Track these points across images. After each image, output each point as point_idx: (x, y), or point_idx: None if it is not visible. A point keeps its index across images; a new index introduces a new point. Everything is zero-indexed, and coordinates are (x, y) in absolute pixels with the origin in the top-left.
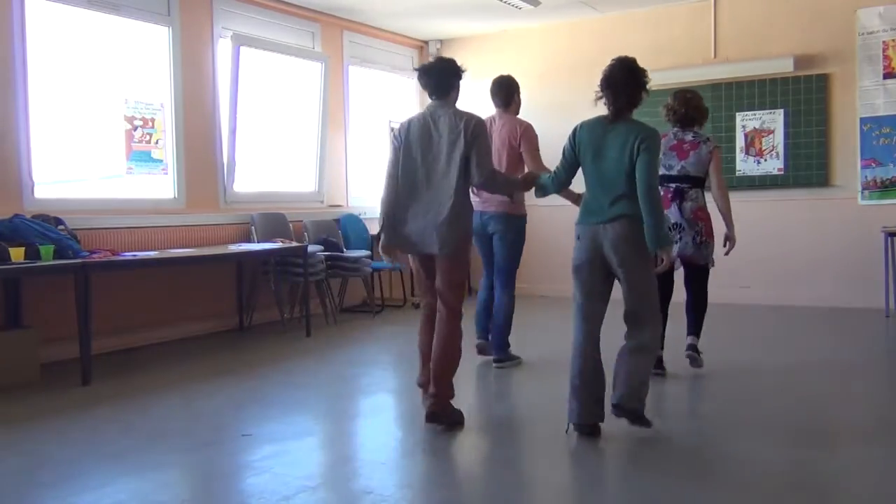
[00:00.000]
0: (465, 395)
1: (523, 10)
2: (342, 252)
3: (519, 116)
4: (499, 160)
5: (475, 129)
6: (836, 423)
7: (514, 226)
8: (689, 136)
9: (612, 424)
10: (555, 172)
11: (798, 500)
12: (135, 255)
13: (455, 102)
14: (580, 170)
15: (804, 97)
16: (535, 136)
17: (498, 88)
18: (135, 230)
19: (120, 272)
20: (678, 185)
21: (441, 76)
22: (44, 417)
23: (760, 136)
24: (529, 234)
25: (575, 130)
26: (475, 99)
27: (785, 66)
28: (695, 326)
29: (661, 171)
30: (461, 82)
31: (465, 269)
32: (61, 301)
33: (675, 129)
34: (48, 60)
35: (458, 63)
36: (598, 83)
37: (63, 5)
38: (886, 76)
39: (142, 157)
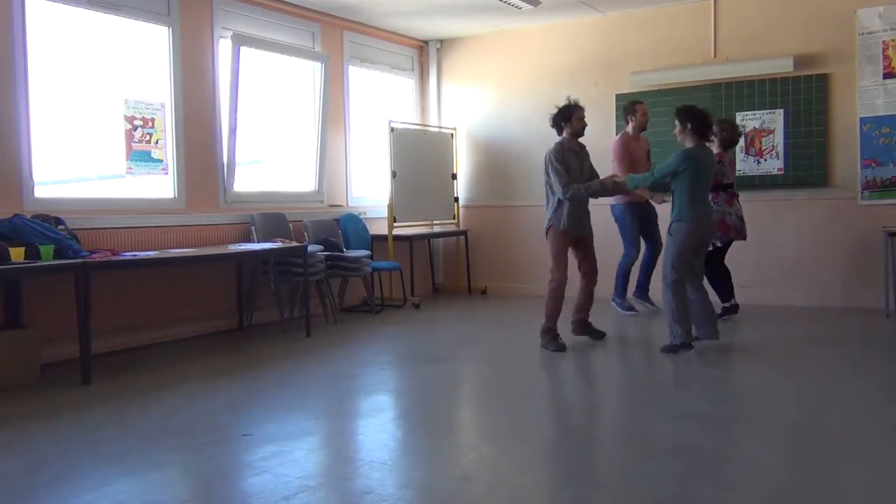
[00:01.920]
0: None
1: (523, 10)
2: (342, 252)
3: (625, 131)
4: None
5: (546, 159)
6: (836, 423)
7: (614, 214)
8: (731, 156)
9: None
10: (662, 176)
11: (796, 500)
12: (135, 255)
13: (563, 136)
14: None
15: (804, 97)
16: (616, 147)
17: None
18: (135, 230)
19: (120, 272)
20: (732, 190)
21: (552, 124)
22: (44, 417)
23: (760, 136)
24: (529, 233)
25: (692, 157)
26: (470, 100)
27: (785, 66)
28: (733, 290)
29: (724, 181)
30: (567, 120)
31: (554, 247)
32: (61, 301)
33: (720, 149)
34: (48, 60)
35: (568, 103)
36: (687, 119)
37: (63, 5)
38: (886, 76)
39: (142, 157)
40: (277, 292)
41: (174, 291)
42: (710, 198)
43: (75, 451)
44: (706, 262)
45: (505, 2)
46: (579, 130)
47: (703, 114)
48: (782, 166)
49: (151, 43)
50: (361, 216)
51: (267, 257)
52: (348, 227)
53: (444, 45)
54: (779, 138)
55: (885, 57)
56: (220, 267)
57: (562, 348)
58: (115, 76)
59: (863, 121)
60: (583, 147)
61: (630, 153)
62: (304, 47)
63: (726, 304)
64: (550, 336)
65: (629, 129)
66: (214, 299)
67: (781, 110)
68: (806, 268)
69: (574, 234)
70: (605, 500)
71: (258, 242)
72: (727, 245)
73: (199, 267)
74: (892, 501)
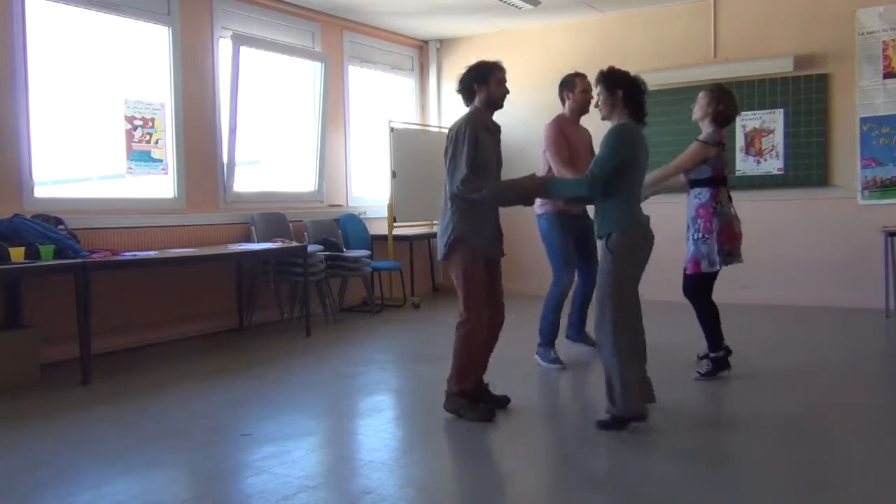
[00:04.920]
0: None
1: (523, 10)
2: (342, 252)
3: (561, 114)
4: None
5: (451, 134)
6: (836, 423)
7: (540, 227)
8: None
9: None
10: (602, 170)
11: (795, 500)
12: (135, 255)
13: (475, 105)
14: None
15: (804, 97)
16: (550, 134)
17: None
18: (135, 230)
19: (120, 272)
20: (727, 186)
21: (459, 87)
22: (43, 417)
23: (760, 136)
24: (528, 233)
25: (633, 137)
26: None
27: (785, 66)
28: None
29: (726, 172)
30: (483, 81)
31: (466, 273)
32: (61, 301)
33: (716, 127)
34: (48, 60)
35: (485, 61)
36: (617, 84)
37: (63, 5)
38: (886, 76)
39: (142, 157)
40: (277, 292)
41: (174, 291)
42: (708, 196)
43: (75, 450)
44: (696, 291)
45: (505, 2)
46: (499, 98)
47: (638, 80)
48: (782, 166)
49: (151, 43)
50: (361, 216)
51: (267, 257)
52: (348, 227)
53: (444, 45)
54: (779, 138)
55: (885, 57)
56: (220, 267)
57: (486, 415)
58: (115, 76)
59: (863, 121)
60: (498, 128)
61: (568, 142)
62: (304, 47)
63: (715, 354)
64: (462, 400)
65: (566, 110)
66: (214, 299)
67: (781, 110)
68: (806, 268)
69: (489, 254)
70: (606, 500)
71: (258, 242)
72: (717, 272)
73: (199, 267)
74: (891, 502)
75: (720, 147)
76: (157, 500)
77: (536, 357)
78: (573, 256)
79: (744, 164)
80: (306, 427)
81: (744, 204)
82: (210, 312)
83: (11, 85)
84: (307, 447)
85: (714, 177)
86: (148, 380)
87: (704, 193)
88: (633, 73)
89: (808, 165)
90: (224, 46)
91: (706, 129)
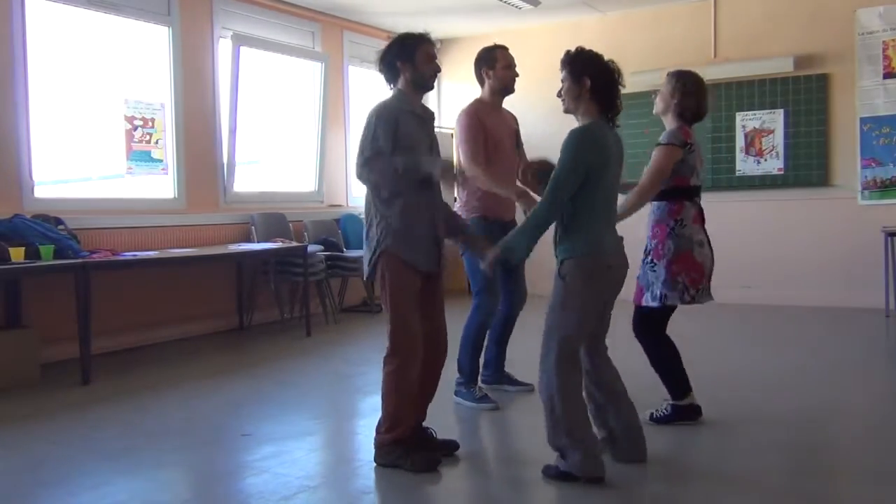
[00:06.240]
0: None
1: (523, 10)
2: (342, 252)
3: (478, 98)
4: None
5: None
6: (836, 424)
7: None
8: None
9: None
10: (561, 190)
11: (794, 502)
12: (135, 255)
13: (398, 87)
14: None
15: (804, 97)
16: (463, 124)
17: None
18: (135, 230)
19: (120, 272)
20: (699, 199)
21: (378, 66)
22: (44, 417)
23: (760, 136)
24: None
25: (596, 142)
26: (470, 100)
27: (785, 66)
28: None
29: (692, 181)
30: (408, 58)
31: (394, 290)
32: (61, 301)
33: (682, 123)
34: (48, 60)
35: (411, 32)
36: (585, 70)
37: (63, 5)
38: (886, 76)
39: (142, 157)
40: (277, 292)
41: (174, 291)
42: (665, 211)
43: (75, 450)
44: (641, 329)
45: (505, 2)
46: (428, 78)
47: (611, 68)
48: (782, 166)
49: (151, 43)
50: (361, 216)
51: (267, 257)
52: (348, 227)
53: (444, 45)
54: (779, 138)
55: (885, 57)
56: (220, 267)
57: (427, 465)
58: (115, 76)
59: (863, 121)
60: (431, 115)
61: (487, 132)
62: (304, 47)
63: (679, 403)
64: (398, 449)
65: (484, 92)
66: (214, 299)
67: (781, 110)
68: (806, 268)
69: (423, 268)
70: (607, 498)
71: (258, 242)
72: (673, 308)
73: (199, 267)
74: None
75: (686, 148)
76: (157, 500)
77: (457, 399)
78: (498, 275)
79: (744, 165)
80: (306, 427)
81: (744, 204)
82: (210, 312)
83: (11, 85)
84: (307, 447)
85: (676, 186)
86: (148, 380)
87: (661, 208)
88: (607, 58)
89: (808, 165)
90: (224, 46)
91: (669, 125)
